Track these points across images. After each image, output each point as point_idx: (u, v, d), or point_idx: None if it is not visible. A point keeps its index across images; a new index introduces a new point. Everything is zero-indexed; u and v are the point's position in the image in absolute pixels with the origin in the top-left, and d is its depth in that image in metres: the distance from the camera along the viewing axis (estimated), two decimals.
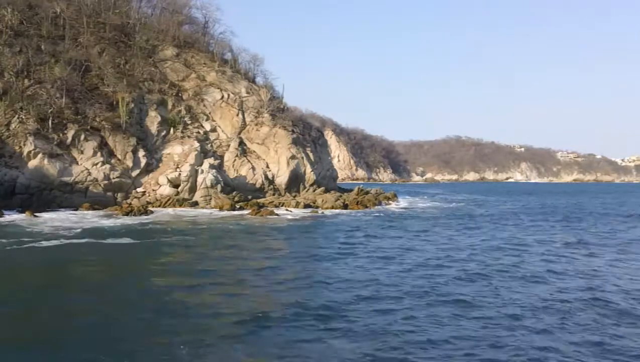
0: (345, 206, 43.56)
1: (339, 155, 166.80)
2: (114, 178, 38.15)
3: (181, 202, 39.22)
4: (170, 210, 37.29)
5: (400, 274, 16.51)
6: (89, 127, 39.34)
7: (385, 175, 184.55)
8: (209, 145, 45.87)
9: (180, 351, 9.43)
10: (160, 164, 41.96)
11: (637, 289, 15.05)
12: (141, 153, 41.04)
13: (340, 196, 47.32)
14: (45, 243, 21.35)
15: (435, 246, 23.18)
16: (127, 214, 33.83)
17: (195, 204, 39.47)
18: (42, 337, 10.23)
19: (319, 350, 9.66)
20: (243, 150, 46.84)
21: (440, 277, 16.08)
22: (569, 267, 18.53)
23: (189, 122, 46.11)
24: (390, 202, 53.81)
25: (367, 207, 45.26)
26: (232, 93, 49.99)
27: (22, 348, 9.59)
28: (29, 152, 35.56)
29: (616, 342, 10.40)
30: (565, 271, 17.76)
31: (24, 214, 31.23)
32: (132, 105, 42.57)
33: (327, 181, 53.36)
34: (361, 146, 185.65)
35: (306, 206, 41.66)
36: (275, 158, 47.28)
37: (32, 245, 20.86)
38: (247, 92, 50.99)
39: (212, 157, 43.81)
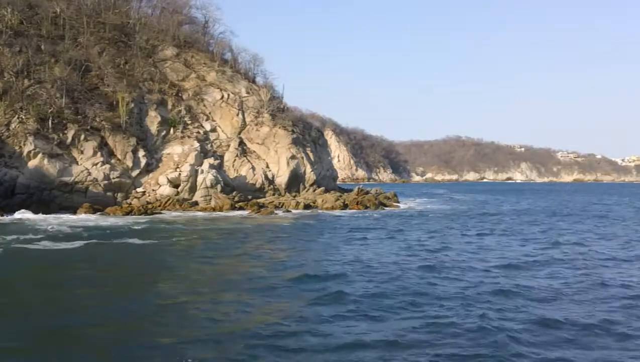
0: (345, 206, 43.55)
1: (339, 155, 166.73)
2: (114, 178, 38.12)
3: (181, 202, 39.22)
4: (170, 210, 37.31)
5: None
6: (89, 127, 39.31)
7: (385, 176, 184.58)
8: (209, 145, 45.85)
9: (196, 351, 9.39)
10: (160, 164, 41.93)
11: None
12: (141, 153, 41.03)
13: (340, 196, 47.31)
14: (46, 244, 21.33)
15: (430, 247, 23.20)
16: (127, 214, 33.85)
17: (195, 204, 39.45)
18: (43, 338, 10.22)
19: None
20: (243, 150, 46.82)
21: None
22: None
23: (189, 122, 46.09)
24: (390, 202, 53.72)
25: (367, 207, 45.22)
26: (232, 93, 49.97)
27: (23, 351, 9.58)
28: (29, 152, 35.54)
29: None
30: None
31: (23, 217, 31.20)
32: (132, 105, 42.53)
33: (327, 181, 53.33)
34: (361, 146, 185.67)
35: (306, 206, 41.63)
36: (275, 158, 47.27)
37: (33, 246, 20.85)
38: (247, 92, 50.97)
39: (212, 157, 43.79)
